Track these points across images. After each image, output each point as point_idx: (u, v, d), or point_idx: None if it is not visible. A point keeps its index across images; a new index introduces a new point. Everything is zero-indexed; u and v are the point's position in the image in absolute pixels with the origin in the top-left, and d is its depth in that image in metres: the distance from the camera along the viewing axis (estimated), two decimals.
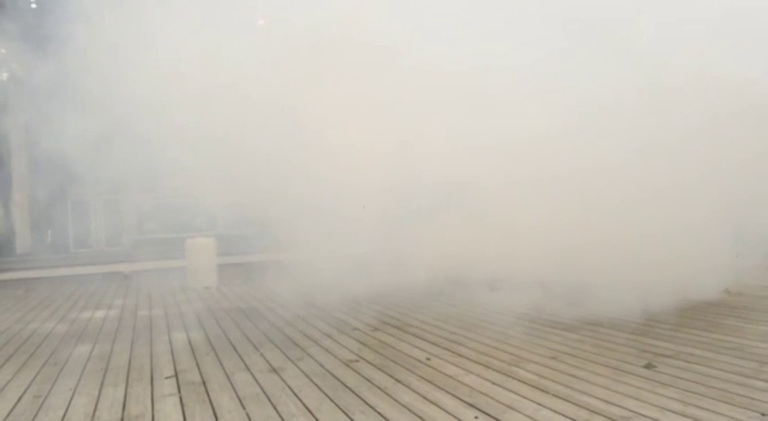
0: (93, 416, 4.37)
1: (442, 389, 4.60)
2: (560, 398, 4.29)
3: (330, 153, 8.61)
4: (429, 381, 4.82)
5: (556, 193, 7.51)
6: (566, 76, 7.44)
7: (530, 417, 3.96)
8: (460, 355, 5.59)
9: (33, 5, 12.77)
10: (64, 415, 4.41)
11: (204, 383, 5.04)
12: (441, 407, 4.21)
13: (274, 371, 5.32)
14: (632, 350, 5.46)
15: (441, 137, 8.35)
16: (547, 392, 4.43)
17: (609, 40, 7.22)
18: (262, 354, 5.95)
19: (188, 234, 13.03)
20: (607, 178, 7.05)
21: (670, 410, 3.96)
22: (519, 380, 4.74)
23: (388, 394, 4.55)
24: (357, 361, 5.55)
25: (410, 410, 4.18)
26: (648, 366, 4.94)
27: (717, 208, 6.81)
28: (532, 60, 7.59)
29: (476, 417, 4.00)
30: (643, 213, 6.86)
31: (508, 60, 7.69)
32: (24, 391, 5.04)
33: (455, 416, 4.04)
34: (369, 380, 4.91)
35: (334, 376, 5.08)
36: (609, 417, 3.89)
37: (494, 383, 4.70)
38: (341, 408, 4.27)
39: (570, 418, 3.91)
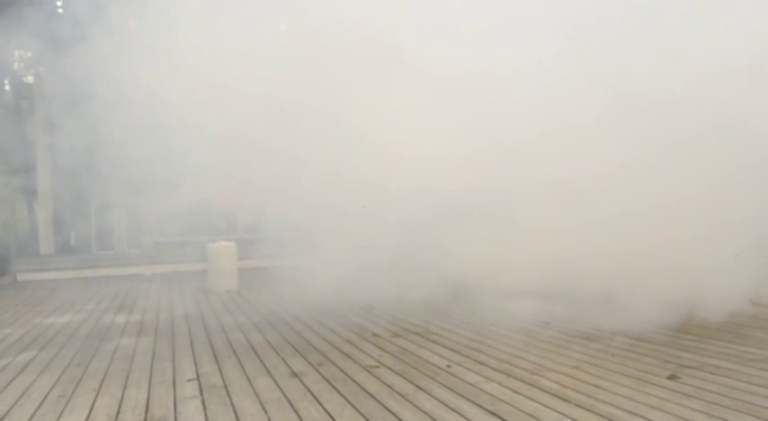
0: (117, 417, 4.41)
1: (464, 397, 4.59)
2: (583, 408, 4.26)
3: (348, 155, 8.62)
4: (450, 389, 4.81)
5: (579, 200, 7.44)
6: (579, 79, 7.38)
7: None
8: (481, 363, 5.57)
9: (60, 10, 12.95)
10: (88, 415, 4.46)
11: (226, 387, 5.07)
12: (462, 415, 4.19)
13: (295, 375, 5.34)
14: (656, 360, 5.41)
15: (459, 141, 8.33)
16: (569, 402, 4.40)
17: (613, 42, 7.17)
18: (283, 359, 5.97)
19: (209, 237, 13.10)
20: (631, 185, 6.98)
21: None
22: (541, 389, 4.71)
23: (409, 400, 4.54)
24: (378, 367, 5.55)
25: (431, 417, 4.17)
26: (673, 377, 4.88)
27: (740, 217, 6.71)
28: (542, 64, 7.55)
29: None
30: (665, 221, 6.78)
31: (514, 64, 7.66)
32: (49, 391, 5.10)
33: None
34: (390, 387, 4.91)
35: (355, 382, 5.08)
36: None
37: (515, 392, 4.68)
38: (362, 414, 4.27)
39: None
